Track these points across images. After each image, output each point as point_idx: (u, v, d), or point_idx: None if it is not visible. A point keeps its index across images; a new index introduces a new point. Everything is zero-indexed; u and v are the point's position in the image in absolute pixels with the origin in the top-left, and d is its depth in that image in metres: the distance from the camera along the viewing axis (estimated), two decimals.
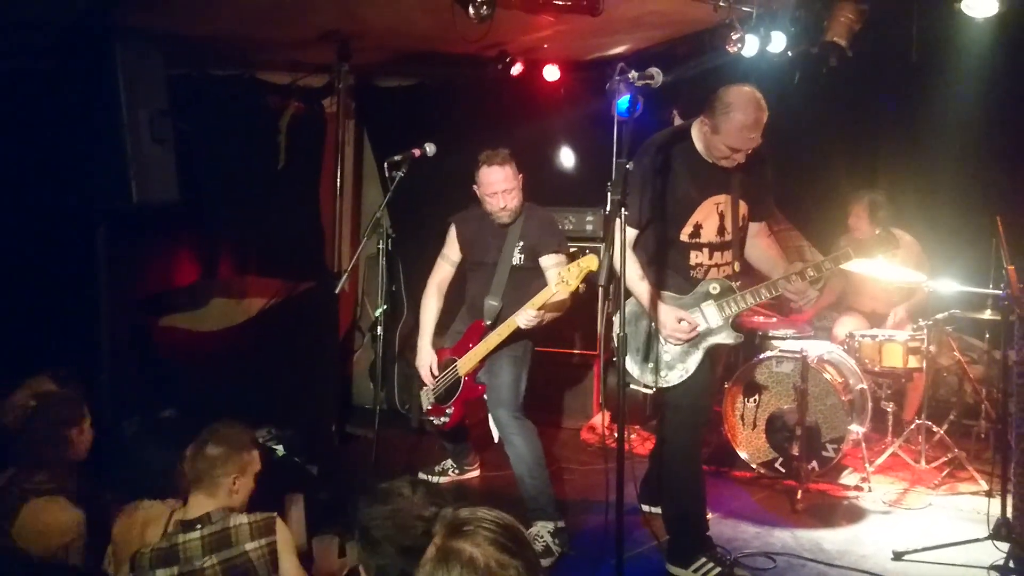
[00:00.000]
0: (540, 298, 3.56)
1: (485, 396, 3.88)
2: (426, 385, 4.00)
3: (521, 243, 3.83)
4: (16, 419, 2.81)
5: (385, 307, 3.74)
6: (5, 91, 3.79)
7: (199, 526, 2.43)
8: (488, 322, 3.80)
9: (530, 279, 3.77)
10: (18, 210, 3.87)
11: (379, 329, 3.68)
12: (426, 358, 3.99)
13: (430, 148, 3.76)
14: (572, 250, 5.19)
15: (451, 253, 4.04)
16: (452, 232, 4.01)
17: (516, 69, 5.16)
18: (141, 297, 4.66)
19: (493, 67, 5.12)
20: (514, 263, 3.83)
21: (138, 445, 3.49)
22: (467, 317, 3.99)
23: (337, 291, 3.79)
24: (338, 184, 5.27)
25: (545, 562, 3.51)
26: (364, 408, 5.68)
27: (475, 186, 3.79)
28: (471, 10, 3.85)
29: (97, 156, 3.59)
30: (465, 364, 3.83)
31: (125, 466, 3.13)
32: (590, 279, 3.42)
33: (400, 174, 3.67)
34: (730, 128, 3.06)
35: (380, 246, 3.88)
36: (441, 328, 4.09)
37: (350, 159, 5.65)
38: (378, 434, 3.86)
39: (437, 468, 4.49)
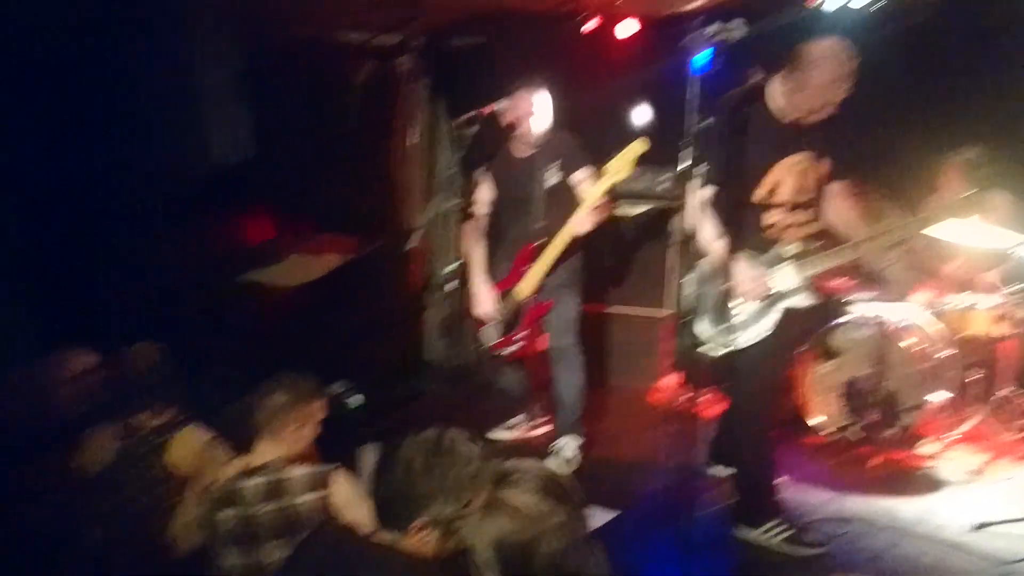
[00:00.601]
0: (591, 198, 3.58)
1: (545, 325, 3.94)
2: (488, 321, 4.04)
3: (551, 166, 3.85)
4: (145, 361, 3.09)
5: (456, 264, 3.77)
6: (88, 48, 3.90)
7: (259, 473, 2.53)
8: (537, 243, 3.81)
9: (567, 198, 3.79)
10: (104, 171, 4.01)
11: (451, 286, 3.73)
12: (484, 294, 4.03)
13: (501, 107, 3.76)
14: (642, 208, 5.20)
15: (484, 193, 4.08)
16: (482, 173, 4.04)
17: (590, 25, 5.07)
18: (221, 254, 4.79)
19: (566, 24, 5.04)
20: (547, 185, 3.86)
21: (219, 394, 3.64)
22: (510, 251, 4.02)
23: (408, 248, 3.85)
24: (410, 143, 5.31)
25: (574, 467, 4.01)
26: (434, 364, 5.77)
27: (504, 111, 3.82)
28: None
29: (176, 118, 3.69)
30: (525, 287, 3.87)
31: (208, 412, 3.31)
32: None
33: (470, 132, 3.69)
34: (817, 83, 2.96)
35: (450, 204, 3.91)
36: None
37: (421, 118, 5.67)
38: (450, 390, 3.93)
39: (507, 424, 4.53)
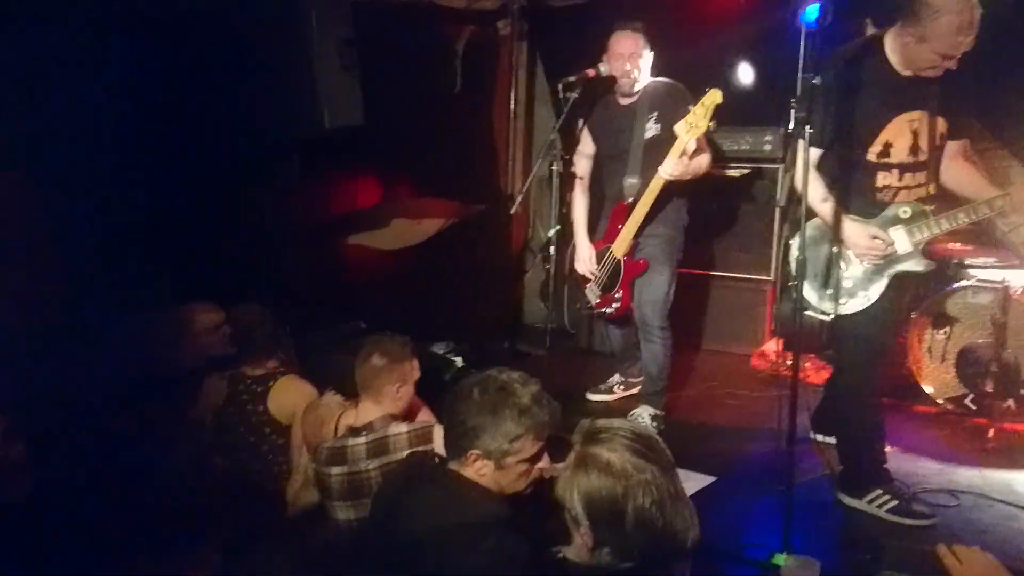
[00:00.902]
0: (676, 148, 3.54)
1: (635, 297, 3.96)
2: (589, 280, 4.07)
3: (653, 115, 3.79)
4: (252, 320, 3.33)
5: (557, 228, 3.80)
6: (208, 26, 4.09)
7: (364, 432, 2.65)
8: (630, 199, 3.79)
9: (667, 150, 3.70)
10: (220, 138, 4.22)
11: (551, 250, 3.77)
12: (584, 251, 4.06)
13: (604, 68, 3.73)
14: (745, 170, 5.08)
15: (585, 147, 4.06)
16: (582, 125, 4.01)
17: None
18: (329, 217, 4.98)
19: None
20: (647, 136, 3.80)
21: (325, 351, 3.83)
22: (609, 208, 4.02)
23: (512, 212, 3.90)
24: (512, 107, 5.35)
25: None
26: (534, 327, 5.85)
27: (603, 58, 3.77)
28: None
29: (290, 85, 3.84)
30: (620, 245, 3.88)
31: (314, 369, 3.49)
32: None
33: (574, 95, 3.67)
34: (941, 32, 2.80)
35: (553, 168, 3.93)
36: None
37: (523, 81, 5.69)
38: (548, 352, 4.00)
39: (603, 386, 4.56)
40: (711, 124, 3.50)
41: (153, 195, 4.13)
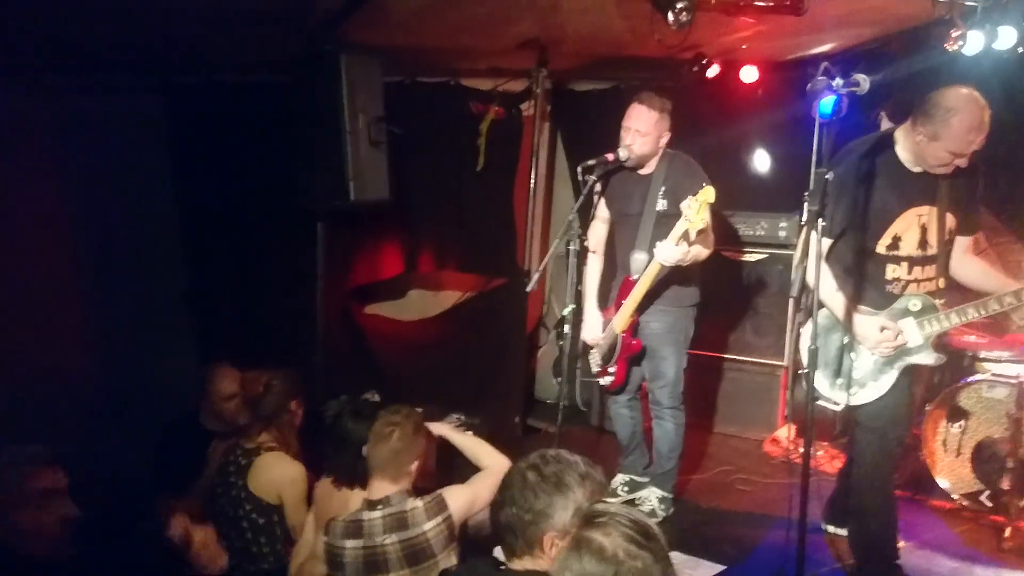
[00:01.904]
0: (676, 232, 3.54)
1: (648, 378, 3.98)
2: (593, 348, 4.08)
3: (663, 188, 3.82)
4: (257, 389, 3.28)
5: (572, 306, 3.84)
6: (245, 102, 4.28)
7: (380, 506, 2.65)
8: (636, 276, 3.81)
9: (675, 225, 3.66)
10: (250, 208, 4.35)
11: (565, 327, 3.80)
12: (592, 319, 4.07)
13: (623, 153, 3.81)
14: (760, 255, 5.14)
15: (601, 211, 4.10)
16: (599, 189, 4.02)
17: (713, 71, 5.09)
18: (351, 287, 5.07)
19: (689, 69, 5.08)
20: (658, 209, 3.81)
21: (340, 421, 3.86)
22: (619, 279, 4.03)
23: (529, 289, 3.95)
24: (532, 186, 5.47)
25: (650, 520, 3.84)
26: (547, 403, 5.85)
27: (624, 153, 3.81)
28: (670, 16, 3.84)
29: (320, 159, 3.96)
30: (619, 321, 3.88)
31: (328, 439, 3.49)
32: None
33: (592, 178, 3.75)
34: (954, 133, 2.88)
35: (570, 247, 3.98)
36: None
37: (544, 162, 5.82)
38: (560, 428, 3.99)
39: (607, 490, 4.37)
40: (704, 220, 3.46)
41: (189, 259, 4.27)
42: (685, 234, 3.54)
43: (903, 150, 3.09)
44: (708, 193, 3.43)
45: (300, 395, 3.39)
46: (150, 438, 3.72)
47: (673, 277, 3.83)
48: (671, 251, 3.57)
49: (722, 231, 4.60)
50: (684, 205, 3.47)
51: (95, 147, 3.99)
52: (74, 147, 3.98)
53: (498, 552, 2.09)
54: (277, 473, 3.19)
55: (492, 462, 2.89)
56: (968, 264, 3.24)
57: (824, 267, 3.01)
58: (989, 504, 3.97)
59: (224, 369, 3.64)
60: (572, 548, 1.68)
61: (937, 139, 2.92)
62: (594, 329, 4.06)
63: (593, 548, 1.64)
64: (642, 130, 3.75)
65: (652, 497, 4.06)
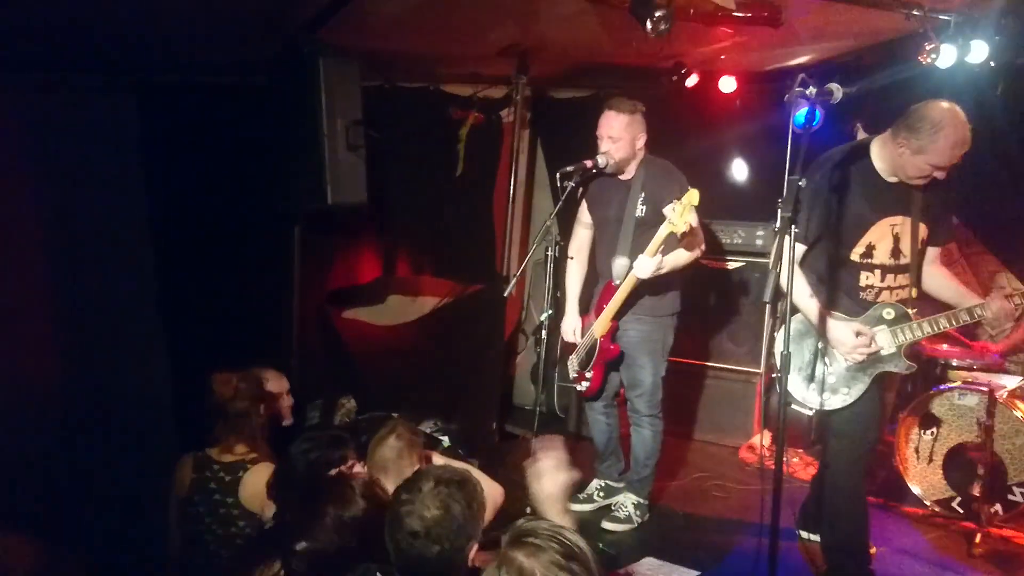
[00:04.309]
0: (653, 244, 3.55)
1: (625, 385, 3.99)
2: (571, 351, 4.08)
3: (643, 195, 3.83)
4: (225, 392, 3.15)
5: (550, 312, 3.85)
6: (221, 104, 4.24)
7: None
8: (617, 281, 3.82)
9: (655, 232, 3.65)
10: (226, 211, 4.31)
11: (543, 333, 3.80)
12: (571, 323, 4.08)
13: (601, 160, 3.83)
14: (738, 263, 5.18)
15: (583, 216, 4.11)
16: (581, 194, 4.02)
17: (691, 80, 5.13)
18: (328, 291, 5.04)
19: (668, 79, 5.12)
20: (637, 215, 3.83)
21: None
22: (601, 285, 4.04)
23: (506, 295, 3.95)
24: (511, 192, 5.47)
25: (624, 527, 4.04)
26: (524, 409, 5.85)
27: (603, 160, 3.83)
28: (648, 25, 3.87)
29: (298, 162, 3.93)
30: (599, 326, 3.89)
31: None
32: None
33: (571, 184, 3.76)
34: (939, 148, 2.91)
35: (548, 253, 3.99)
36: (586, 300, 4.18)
37: (523, 168, 5.82)
38: (536, 435, 3.99)
39: (582, 495, 4.27)
40: (688, 223, 3.46)
41: (161, 262, 4.22)
42: (668, 239, 3.55)
43: (879, 160, 3.13)
44: (692, 196, 3.45)
45: (266, 397, 3.32)
46: (121, 445, 3.66)
47: (652, 287, 3.83)
48: (645, 264, 3.60)
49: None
50: (667, 210, 3.48)
51: (65, 148, 3.91)
52: (43, 148, 3.89)
53: None
54: (264, 485, 3.01)
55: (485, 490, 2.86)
56: (932, 274, 3.29)
57: (798, 272, 3.04)
58: (960, 510, 4.02)
59: (267, 372, 3.51)
60: (497, 566, 1.66)
61: (922, 153, 2.95)
62: (572, 332, 4.07)
63: (514, 569, 1.62)
64: (615, 135, 3.78)
65: (628, 503, 4.07)
